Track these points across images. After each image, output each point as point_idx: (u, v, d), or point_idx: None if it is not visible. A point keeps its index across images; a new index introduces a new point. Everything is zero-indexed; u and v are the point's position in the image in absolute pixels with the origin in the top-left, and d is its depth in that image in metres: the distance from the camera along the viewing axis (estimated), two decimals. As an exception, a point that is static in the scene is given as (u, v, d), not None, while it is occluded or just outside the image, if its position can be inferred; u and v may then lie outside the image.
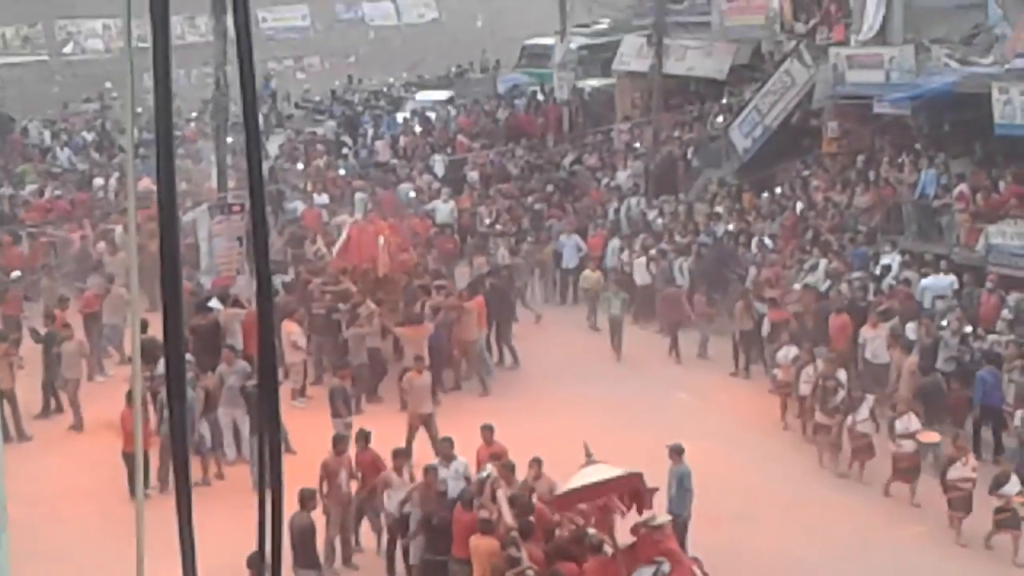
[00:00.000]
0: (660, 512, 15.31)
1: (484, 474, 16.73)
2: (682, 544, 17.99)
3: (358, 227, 27.30)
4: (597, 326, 29.35)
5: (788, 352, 23.82)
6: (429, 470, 17.55)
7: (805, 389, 22.86)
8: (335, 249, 27.48)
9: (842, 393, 22.05)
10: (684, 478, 18.14)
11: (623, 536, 14.52)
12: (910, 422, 20.82)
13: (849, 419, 21.60)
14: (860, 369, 24.38)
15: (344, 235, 27.34)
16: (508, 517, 15.54)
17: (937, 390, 23.03)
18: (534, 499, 16.47)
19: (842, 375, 22.49)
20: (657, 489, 14.19)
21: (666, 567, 13.09)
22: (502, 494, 16.17)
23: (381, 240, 26.39)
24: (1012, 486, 18.79)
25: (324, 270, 27.58)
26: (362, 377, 24.30)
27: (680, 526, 17.98)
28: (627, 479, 13.79)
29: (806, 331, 25.39)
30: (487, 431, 19.10)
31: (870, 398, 21.77)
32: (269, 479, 2.91)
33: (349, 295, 25.49)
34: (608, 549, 14.51)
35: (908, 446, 20.71)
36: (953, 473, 19.50)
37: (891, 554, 19.00)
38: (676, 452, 18.32)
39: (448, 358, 25.47)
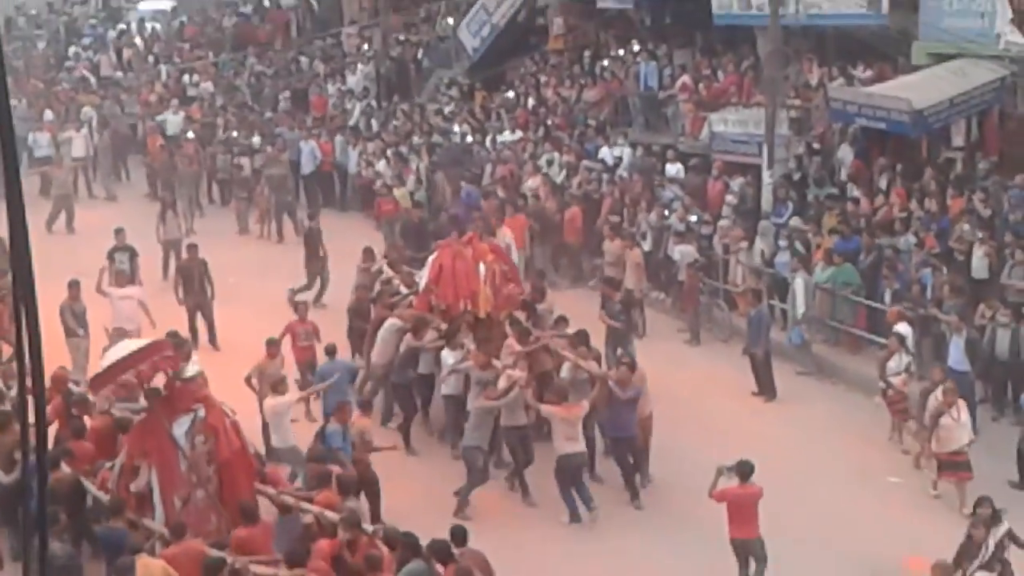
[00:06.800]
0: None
1: None
2: None
3: (451, 251, 19.97)
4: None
5: (901, 361, 19.37)
6: None
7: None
8: (422, 280, 20.34)
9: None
10: None
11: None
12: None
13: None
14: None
15: (433, 262, 20.08)
16: None
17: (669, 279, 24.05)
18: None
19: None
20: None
21: (202, 412, 14.45)
22: None
23: (483, 268, 19.68)
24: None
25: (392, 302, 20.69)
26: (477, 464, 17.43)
27: None
28: (155, 346, 15.01)
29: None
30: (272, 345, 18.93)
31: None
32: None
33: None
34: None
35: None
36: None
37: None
38: None
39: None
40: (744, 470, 14.89)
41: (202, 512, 14.22)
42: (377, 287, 21.63)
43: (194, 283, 23.11)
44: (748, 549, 14.91)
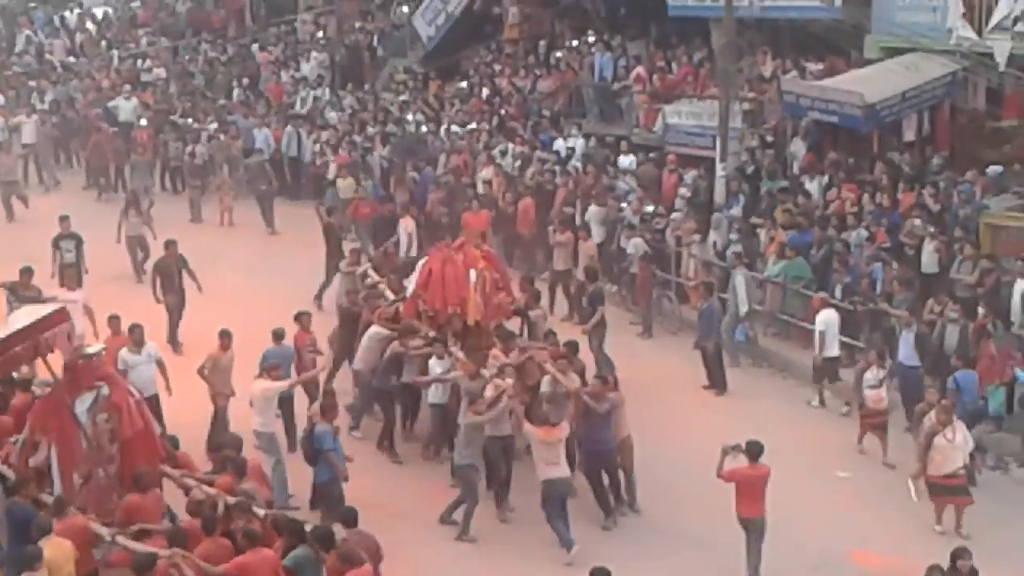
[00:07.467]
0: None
1: None
2: None
3: (442, 256, 19.35)
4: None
5: (877, 374, 18.93)
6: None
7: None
8: (410, 285, 19.73)
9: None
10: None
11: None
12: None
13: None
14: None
15: (423, 267, 19.59)
16: None
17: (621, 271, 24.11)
18: None
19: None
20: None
21: (105, 390, 14.56)
22: None
23: (473, 275, 19.00)
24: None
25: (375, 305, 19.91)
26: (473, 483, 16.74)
27: None
28: (55, 315, 15.17)
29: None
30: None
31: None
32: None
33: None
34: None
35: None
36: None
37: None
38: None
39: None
40: (754, 450, 15.07)
41: (104, 491, 14.30)
42: (362, 292, 21.03)
43: (174, 281, 22.43)
44: (752, 526, 15.14)
